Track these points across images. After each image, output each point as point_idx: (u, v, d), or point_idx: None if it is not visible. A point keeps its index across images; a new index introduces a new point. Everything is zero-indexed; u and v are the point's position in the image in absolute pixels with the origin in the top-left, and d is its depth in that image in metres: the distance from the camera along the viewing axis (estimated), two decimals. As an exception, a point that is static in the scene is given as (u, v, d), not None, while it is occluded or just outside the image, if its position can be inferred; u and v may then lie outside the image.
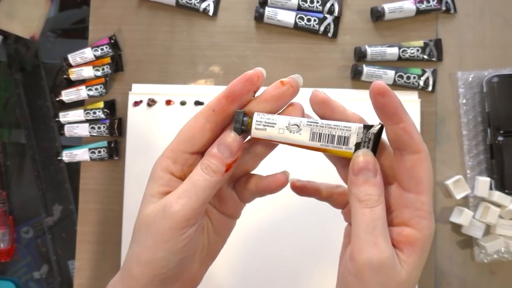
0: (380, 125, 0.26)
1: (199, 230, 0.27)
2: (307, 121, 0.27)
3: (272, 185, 0.29)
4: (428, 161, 0.25)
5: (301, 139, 0.26)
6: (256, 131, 0.26)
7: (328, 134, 0.26)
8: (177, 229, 0.25)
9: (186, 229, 0.25)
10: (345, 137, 0.26)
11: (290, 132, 0.26)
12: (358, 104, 0.57)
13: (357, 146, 0.26)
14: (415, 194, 0.25)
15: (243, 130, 0.26)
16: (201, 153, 0.27)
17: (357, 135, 0.26)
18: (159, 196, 0.27)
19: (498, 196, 0.54)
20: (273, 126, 0.26)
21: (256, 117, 0.26)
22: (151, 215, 0.26)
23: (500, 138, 0.55)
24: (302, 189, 0.31)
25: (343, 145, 0.26)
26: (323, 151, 0.27)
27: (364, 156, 0.26)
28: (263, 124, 0.26)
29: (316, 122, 0.26)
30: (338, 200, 0.31)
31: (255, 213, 0.55)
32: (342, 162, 0.29)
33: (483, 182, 0.54)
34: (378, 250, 0.24)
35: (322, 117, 0.28)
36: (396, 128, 0.25)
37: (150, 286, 0.26)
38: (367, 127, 0.26)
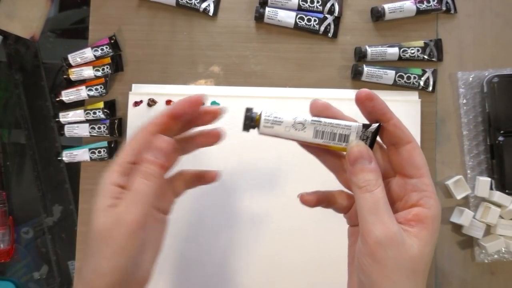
0: (378, 124, 0.29)
1: (145, 229, 0.29)
2: (311, 120, 0.29)
3: (206, 178, 0.35)
4: (419, 148, 0.29)
5: (305, 136, 0.29)
6: (264, 129, 0.28)
7: (330, 132, 0.29)
8: (132, 234, 0.27)
9: (139, 232, 0.27)
10: (345, 135, 0.29)
11: (296, 129, 0.29)
12: (358, 104, 0.57)
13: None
14: (418, 179, 0.28)
15: (252, 126, 0.29)
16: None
17: (357, 133, 0.29)
18: (108, 209, 0.28)
19: (498, 196, 0.54)
20: (280, 124, 0.28)
21: (264, 114, 0.28)
22: (105, 227, 0.27)
23: (500, 138, 0.55)
24: (315, 202, 0.33)
25: (343, 142, 0.29)
26: (324, 147, 0.29)
27: (357, 147, 0.28)
28: (271, 122, 0.28)
29: (319, 121, 0.29)
30: (343, 204, 0.33)
31: (256, 214, 0.55)
32: (340, 168, 0.32)
33: (484, 182, 0.54)
34: (384, 227, 0.26)
35: None
36: (387, 125, 0.29)
37: None
38: (366, 126, 0.29)
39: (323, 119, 0.29)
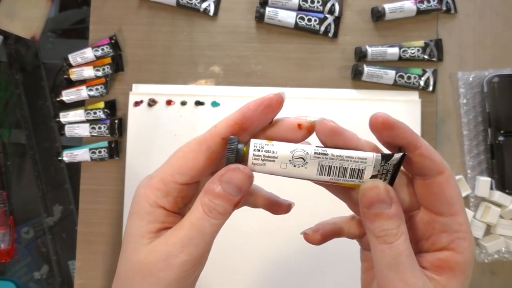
0: (401, 154, 0.23)
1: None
2: (315, 153, 0.22)
3: (279, 208, 0.28)
4: (454, 178, 0.23)
5: (307, 173, 0.23)
6: (254, 166, 0.22)
7: (339, 167, 0.23)
8: (185, 278, 0.22)
9: (194, 274, 0.23)
10: (359, 169, 0.23)
11: (295, 166, 0.22)
12: (358, 104, 0.57)
13: (373, 178, 0.23)
14: (450, 217, 0.23)
15: (238, 160, 0.22)
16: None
17: (374, 166, 0.23)
18: (150, 236, 0.23)
19: (498, 196, 0.54)
20: (274, 161, 0.22)
21: (253, 148, 0.22)
22: (148, 264, 0.22)
23: (500, 138, 0.55)
24: (320, 240, 0.29)
25: (357, 178, 0.23)
26: (332, 184, 0.24)
27: (373, 189, 0.22)
28: (261, 159, 0.22)
29: (325, 153, 0.22)
30: (355, 233, 0.28)
31: (256, 213, 0.55)
32: (352, 197, 0.26)
33: (484, 182, 0.54)
34: (407, 286, 0.21)
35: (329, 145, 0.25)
36: (413, 155, 0.23)
37: None
38: (386, 157, 0.23)
39: (330, 151, 0.22)
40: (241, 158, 0.22)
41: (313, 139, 0.24)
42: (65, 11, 0.60)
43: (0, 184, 0.58)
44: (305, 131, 0.23)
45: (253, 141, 0.22)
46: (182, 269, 0.22)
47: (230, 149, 0.22)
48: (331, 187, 0.26)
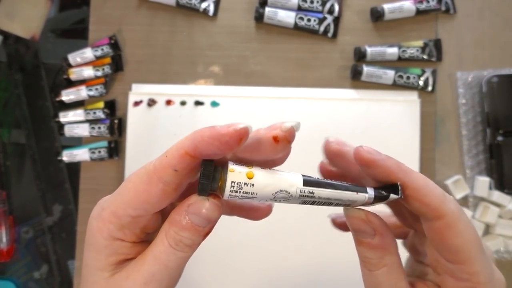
0: (398, 196, 0.20)
1: None
2: (300, 195, 0.20)
3: (257, 213, 0.25)
4: (461, 222, 0.19)
5: (290, 204, 0.21)
6: (231, 199, 0.20)
7: (324, 202, 0.21)
8: None
9: None
10: (346, 205, 0.21)
11: (275, 201, 0.20)
12: (357, 104, 0.57)
13: None
14: (456, 265, 0.20)
15: (213, 189, 0.20)
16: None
17: (363, 205, 0.21)
18: (111, 268, 0.21)
19: (497, 196, 0.54)
20: (253, 199, 0.20)
21: (230, 182, 0.19)
22: None
23: (499, 138, 0.55)
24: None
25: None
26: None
27: (356, 217, 0.21)
28: (239, 197, 0.19)
29: (311, 195, 0.20)
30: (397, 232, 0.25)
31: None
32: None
33: (483, 182, 0.54)
34: None
35: (335, 166, 0.23)
36: (407, 199, 0.20)
37: None
38: (379, 199, 0.20)
39: (317, 193, 0.20)
40: (216, 186, 0.20)
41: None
42: (64, 11, 0.60)
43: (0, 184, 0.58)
44: (284, 143, 0.20)
45: (230, 179, 0.19)
46: None
47: (204, 176, 0.19)
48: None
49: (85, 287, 0.21)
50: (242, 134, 0.18)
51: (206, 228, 0.20)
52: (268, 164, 0.21)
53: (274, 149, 0.20)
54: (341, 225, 0.27)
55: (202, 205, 0.19)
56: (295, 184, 0.20)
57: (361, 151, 0.20)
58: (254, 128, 0.20)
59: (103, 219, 0.20)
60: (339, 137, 0.21)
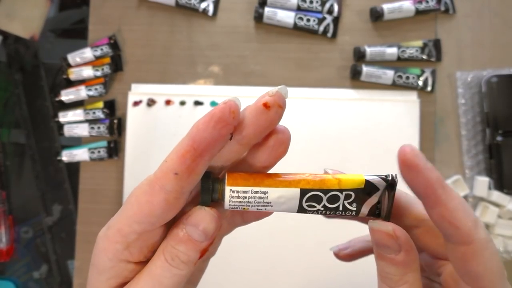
0: (384, 217, 0.20)
1: None
2: (303, 207, 0.20)
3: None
4: (488, 250, 0.18)
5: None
6: (233, 209, 0.20)
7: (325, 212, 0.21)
8: None
9: None
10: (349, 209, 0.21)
11: (277, 208, 0.20)
12: (357, 104, 0.57)
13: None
14: None
15: (214, 200, 0.20)
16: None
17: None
18: None
19: (496, 196, 0.54)
20: (249, 208, 0.20)
21: (229, 191, 0.19)
22: None
23: (498, 138, 0.55)
24: (350, 258, 0.26)
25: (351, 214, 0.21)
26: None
27: (381, 231, 0.19)
28: (241, 208, 0.20)
29: (314, 208, 0.20)
30: None
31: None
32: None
33: (482, 182, 0.54)
34: None
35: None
36: (431, 213, 0.19)
37: None
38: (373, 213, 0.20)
39: (320, 206, 0.20)
40: (216, 197, 0.20)
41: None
42: (64, 11, 0.60)
43: (-1, 184, 0.58)
44: (275, 108, 0.19)
45: (228, 187, 0.19)
46: None
47: (203, 188, 0.19)
48: None
49: None
50: (231, 106, 0.18)
51: (203, 244, 0.19)
52: (274, 146, 0.20)
53: (269, 117, 0.19)
54: (346, 257, 0.26)
55: (199, 214, 0.19)
56: (295, 202, 0.20)
57: (407, 150, 0.18)
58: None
59: (108, 239, 0.19)
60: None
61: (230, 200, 0.19)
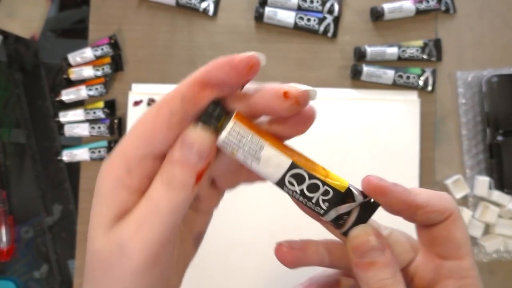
0: (376, 206, 0.21)
1: (172, 254, 0.21)
2: (284, 181, 0.20)
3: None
4: (461, 219, 0.21)
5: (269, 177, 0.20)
6: (222, 147, 0.19)
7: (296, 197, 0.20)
8: (142, 271, 0.18)
9: (155, 267, 0.19)
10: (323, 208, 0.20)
11: (259, 166, 0.20)
12: (357, 104, 0.57)
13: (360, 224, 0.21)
14: (456, 261, 0.21)
15: (212, 125, 0.19)
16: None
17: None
18: (111, 223, 0.19)
19: (497, 195, 0.54)
20: (243, 156, 0.19)
21: (231, 125, 0.19)
22: (104, 253, 0.19)
23: (499, 138, 0.55)
24: (295, 261, 0.24)
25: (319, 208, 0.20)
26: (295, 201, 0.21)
27: (364, 235, 0.20)
28: (230, 150, 0.19)
29: (292, 187, 0.20)
30: (343, 264, 0.25)
31: (255, 212, 0.55)
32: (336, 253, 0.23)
33: (482, 181, 0.54)
34: None
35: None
36: (416, 216, 0.21)
37: None
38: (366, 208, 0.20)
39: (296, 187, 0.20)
40: (216, 124, 0.19)
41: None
42: (64, 11, 0.60)
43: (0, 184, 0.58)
44: (292, 101, 0.19)
45: (231, 123, 0.19)
46: (138, 261, 0.18)
47: (207, 110, 0.19)
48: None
49: (88, 243, 0.20)
50: (254, 60, 0.18)
51: (198, 166, 0.18)
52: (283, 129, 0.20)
53: (280, 103, 0.19)
54: (286, 257, 0.24)
55: (194, 134, 0.19)
56: (282, 165, 0.19)
57: (375, 179, 0.20)
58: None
59: (111, 164, 0.19)
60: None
61: (227, 134, 0.19)
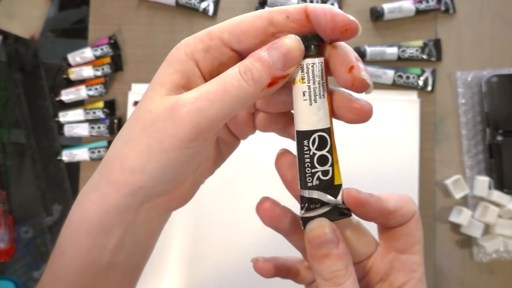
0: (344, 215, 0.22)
1: (208, 146, 0.21)
2: (312, 134, 0.21)
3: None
4: (419, 218, 0.23)
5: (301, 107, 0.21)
6: (305, 65, 0.20)
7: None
8: (183, 140, 0.19)
9: (194, 144, 0.19)
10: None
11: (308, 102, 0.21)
12: (357, 104, 0.57)
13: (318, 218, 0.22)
14: (410, 255, 0.23)
15: (307, 47, 0.20)
16: (244, 56, 0.20)
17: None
18: (171, 87, 0.20)
19: (497, 195, 0.54)
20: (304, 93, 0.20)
21: (321, 62, 0.20)
22: (154, 112, 0.19)
23: (499, 138, 0.55)
24: (272, 272, 0.28)
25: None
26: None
27: (320, 227, 0.21)
28: (305, 72, 0.20)
29: (307, 146, 0.21)
30: (306, 277, 0.27)
31: (253, 212, 0.55)
32: (297, 231, 0.24)
33: (482, 181, 0.54)
34: None
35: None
36: (387, 221, 0.23)
37: (132, 197, 0.21)
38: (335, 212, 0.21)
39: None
40: (310, 48, 0.20)
41: None
42: (64, 11, 0.60)
43: (-1, 184, 0.58)
44: (350, 77, 0.20)
45: (317, 58, 0.20)
46: (184, 127, 0.18)
47: (305, 37, 0.20)
48: (292, 235, 0.25)
49: (141, 101, 0.20)
50: (352, 25, 0.19)
51: (277, 71, 0.19)
52: None
53: (343, 71, 0.20)
54: (261, 270, 0.27)
55: (287, 40, 0.19)
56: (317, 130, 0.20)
57: (354, 192, 0.21)
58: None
59: (195, 37, 0.21)
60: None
61: (316, 62, 0.20)
